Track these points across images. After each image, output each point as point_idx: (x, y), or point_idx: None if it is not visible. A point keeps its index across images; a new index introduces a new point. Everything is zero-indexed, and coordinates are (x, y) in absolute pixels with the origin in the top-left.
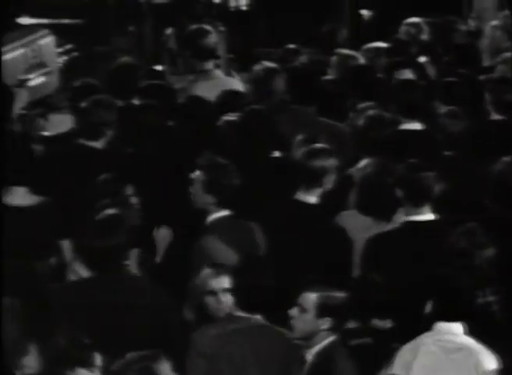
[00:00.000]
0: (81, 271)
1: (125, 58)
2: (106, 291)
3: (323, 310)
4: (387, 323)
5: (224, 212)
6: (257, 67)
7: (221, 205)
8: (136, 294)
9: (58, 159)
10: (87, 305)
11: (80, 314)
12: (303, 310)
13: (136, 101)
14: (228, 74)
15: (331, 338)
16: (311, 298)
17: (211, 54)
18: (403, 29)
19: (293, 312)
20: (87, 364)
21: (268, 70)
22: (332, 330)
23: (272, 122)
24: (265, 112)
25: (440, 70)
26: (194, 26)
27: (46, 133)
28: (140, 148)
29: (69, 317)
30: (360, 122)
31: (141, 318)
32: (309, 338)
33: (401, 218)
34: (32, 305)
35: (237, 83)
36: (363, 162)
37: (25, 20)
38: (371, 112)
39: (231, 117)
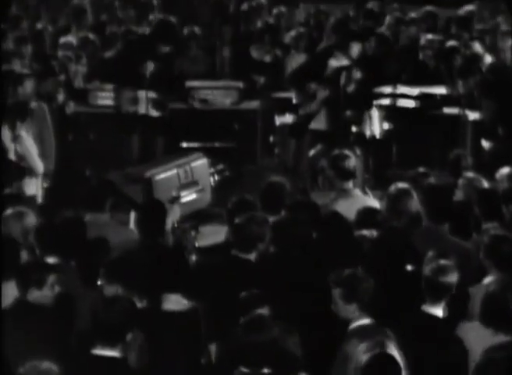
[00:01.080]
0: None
1: (274, 177)
2: None
3: None
4: None
5: (364, 320)
6: (391, 187)
7: (362, 314)
8: None
9: (211, 269)
10: None
11: None
12: None
13: (284, 216)
14: (363, 191)
15: None
16: None
17: (351, 175)
18: None
19: None
20: None
21: (402, 190)
22: None
23: (407, 238)
24: (402, 230)
25: None
26: (337, 151)
27: (198, 244)
28: (287, 259)
29: None
30: (485, 240)
31: None
32: None
33: None
34: None
35: (374, 202)
36: (487, 280)
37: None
38: (494, 231)
39: (368, 232)
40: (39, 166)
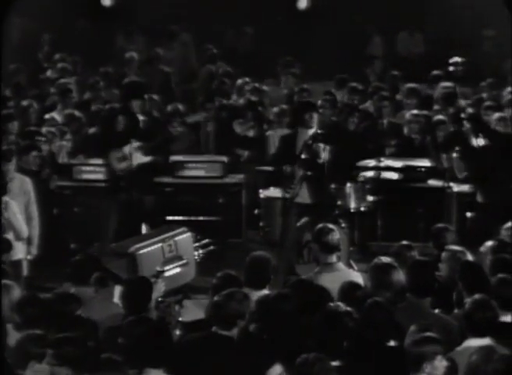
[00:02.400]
0: None
1: (258, 252)
2: None
3: None
4: None
5: None
6: (375, 261)
7: None
8: None
9: (193, 345)
10: None
11: None
12: None
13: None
14: (348, 264)
15: None
16: None
17: (334, 248)
18: (504, 232)
19: None
20: None
21: (385, 264)
22: None
23: (391, 313)
24: (386, 305)
25: None
26: (321, 225)
27: (182, 319)
28: (273, 335)
29: None
30: (467, 306)
31: None
32: None
33: None
34: None
35: (357, 276)
36: (465, 344)
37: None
38: (477, 297)
39: (350, 308)
40: (24, 229)
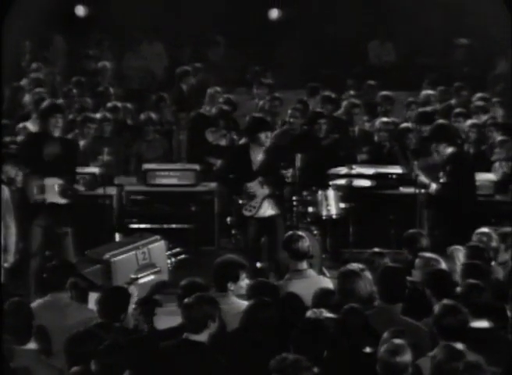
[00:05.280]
0: None
1: (228, 256)
2: None
3: None
4: None
5: None
6: (342, 268)
7: None
8: None
9: (168, 352)
10: None
11: None
12: None
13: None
14: (320, 271)
15: None
16: None
17: (304, 255)
18: (475, 237)
19: None
20: None
21: (351, 271)
22: None
23: (366, 319)
24: (362, 310)
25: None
26: (290, 232)
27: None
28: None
29: None
30: (437, 311)
31: None
32: None
33: None
34: None
35: (328, 282)
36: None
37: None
38: (446, 301)
39: (328, 314)
40: None
